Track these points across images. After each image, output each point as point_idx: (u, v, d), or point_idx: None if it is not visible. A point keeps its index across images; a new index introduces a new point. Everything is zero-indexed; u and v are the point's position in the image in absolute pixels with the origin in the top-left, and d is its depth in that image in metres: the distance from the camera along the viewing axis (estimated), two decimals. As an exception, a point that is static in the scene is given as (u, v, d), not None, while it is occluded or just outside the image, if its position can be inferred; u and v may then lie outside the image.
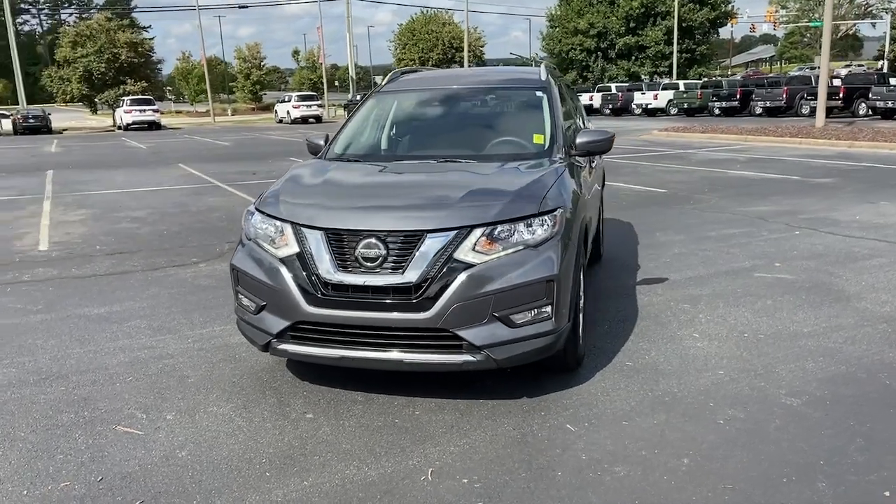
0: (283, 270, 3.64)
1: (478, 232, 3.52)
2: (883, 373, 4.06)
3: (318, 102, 42.72)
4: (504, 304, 3.47)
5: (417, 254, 3.47)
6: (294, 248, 3.65)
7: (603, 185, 6.83)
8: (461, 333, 3.45)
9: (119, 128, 39.85)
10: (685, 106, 36.76)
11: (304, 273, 3.59)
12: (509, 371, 4.10)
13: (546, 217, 3.66)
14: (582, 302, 4.32)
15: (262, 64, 66.61)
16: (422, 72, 5.94)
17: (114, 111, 42.22)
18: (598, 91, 44.43)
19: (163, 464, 3.20)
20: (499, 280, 3.46)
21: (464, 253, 3.48)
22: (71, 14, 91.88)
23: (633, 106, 40.25)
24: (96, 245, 8.14)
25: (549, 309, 3.57)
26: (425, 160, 4.52)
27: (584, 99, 44.14)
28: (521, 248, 3.55)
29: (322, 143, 5.04)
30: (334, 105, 52.40)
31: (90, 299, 5.87)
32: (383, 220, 3.58)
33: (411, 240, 3.50)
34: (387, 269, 3.49)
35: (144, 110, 39.54)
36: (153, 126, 39.59)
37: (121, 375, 4.24)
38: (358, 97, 47.27)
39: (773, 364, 4.23)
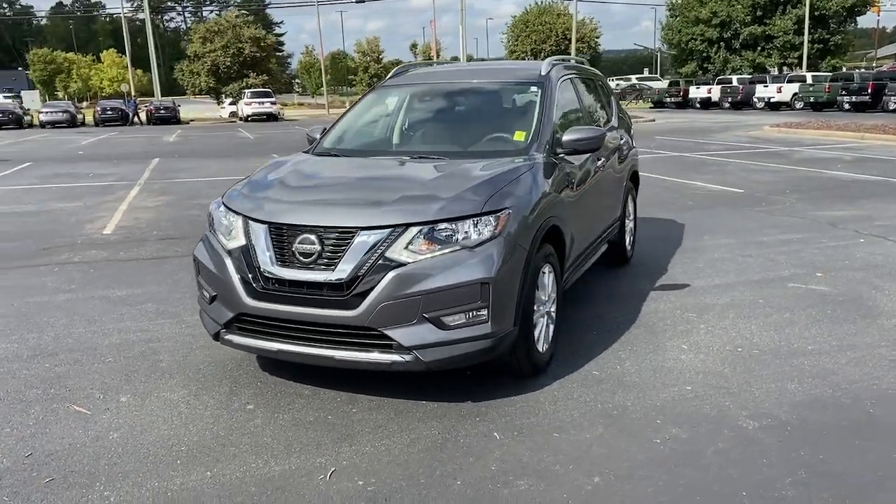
0: (229, 262, 3.73)
1: (413, 231, 3.47)
2: (870, 400, 3.69)
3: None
4: (435, 306, 3.41)
5: (349, 251, 3.46)
6: (241, 241, 3.73)
7: (632, 184, 6.53)
8: (389, 333, 3.42)
9: (241, 119, 41.81)
10: (811, 100, 34.58)
11: (247, 266, 3.66)
12: (469, 373, 4.03)
13: (489, 217, 3.56)
14: (553, 307, 4.19)
15: (381, 57, 68.07)
16: (430, 67, 5.89)
17: (234, 103, 44.31)
18: (717, 83, 42.55)
19: (91, 444, 3.36)
20: (429, 280, 3.39)
21: (396, 252, 3.43)
22: (212, 11, 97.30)
23: (755, 99, 38.33)
24: (154, 230, 8.60)
25: (484, 312, 3.47)
26: (401, 156, 4.50)
27: (702, 91, 42.51)
28: (457, 248, 3.47)
29: (318, 136, 5.11)
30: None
31: (119, 282, 6.22)
32: (319, 216, 3.60)
33: (344, 236, 3.50)
34: (321, 265, 3.50)
35: (263, 102, 41.29)
36: (271, 117, 41.27)
37: (103, 356, 4.47)
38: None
39: (751, 382, 3.94)
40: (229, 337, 3.79)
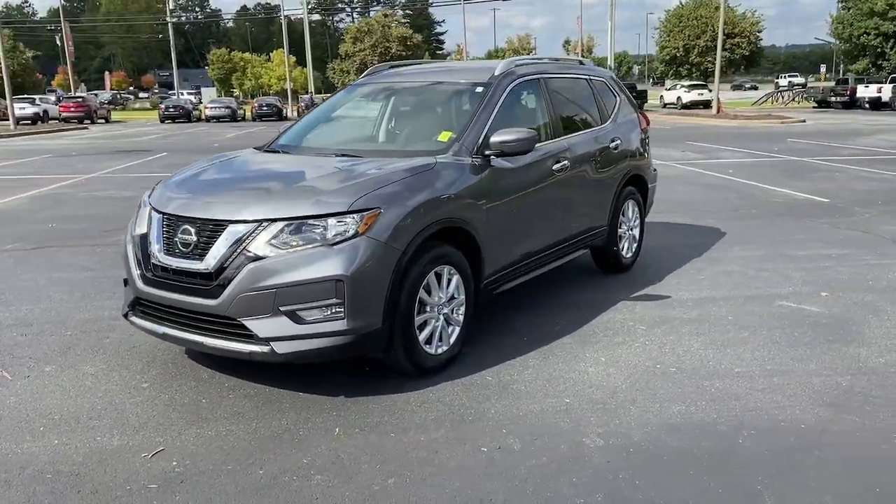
0: (131, 249, 4.07)
1: (278, 225, 3.62)
2: (752, 430, 3.43)
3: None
4: (290, 300, 3.54)
5: (218, 242, 3.67)
6: (144, 230, 4.05)
7: (634, 189, 6.27)
8: (247, 323, 3.59)
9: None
10: None
11: (143, 253, 3.97)
12: (368, 369, 4.13)
13: (354, 216, 3.64)
14: (458, 310, 4.23)
15: (531, 54, 67.97)
16: (401, 67, 5.96)
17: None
18: (889, 82, 38.92)
19: (-20, 407, 3.78)
20: (284, 275, 3.53)
21: (259, 245, 3.60)
22: (378, 11, 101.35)
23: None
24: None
25: (340, 309, 3.57)
26: (331, 154, 4.64)
27: (871, 91, 39.07)
28: (317, 245, 3.58)
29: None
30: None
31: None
32: (200, 209, 3.84)
33: (216, 229, 3.71)
34: (195, 255, 3.74)
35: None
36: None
37: (65, 330, 4.95)
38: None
39: (637, 400, 3.76)
40: (133, 318, 4.12)
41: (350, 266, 3.55)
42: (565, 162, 5.17)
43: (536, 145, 4.98)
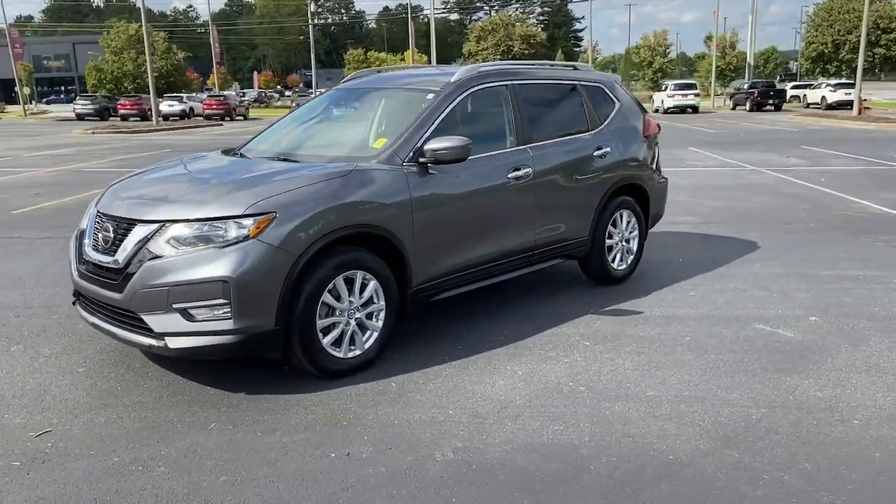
0: (72, 243, 4.42)
1: (177, 227, 3.83)
2: (611, 457, 3.29)
3: (695, 92, 41.03)
4: (181, 298, 3.74)
5: (127, 240, 3.93)
6: (84, 226, 4.39)
7: (630, 199, 6.04)
8: (145, 318, 3.83)
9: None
10: None
11: (79, 247, 4.31)
12: (286, 368, 4.27)
13: (248, 220, 3.79)
14: (375, 315, 4.31)
15: (667, 51, 65.72)
16: (378, 73, 6.02)
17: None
18: None
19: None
20: (177, 274, 3.74)
21: (158, 244, 3.82)
22: (516, 9, 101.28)
23: None
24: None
25: (227, 309, 3.73)
26: (275, 159, 4.81)
27: None
28: (210, 246, 3.76)
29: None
30: (721, 94, 49.80)
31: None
32: (119, 208, 4.13)
33: (128, 227, 3.97)
34: (111, 251, 4.02)
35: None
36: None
37: (51, 314, 5.41)
38: (744, 86, 44.10)
39: (522, 417, 3.68)
40: (77, 308, 4.47)
41: (236, 268, 3.69)
42: (527, 170, 5.08)
43: (492, 153, 4.97)
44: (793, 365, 4.33)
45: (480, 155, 4.96)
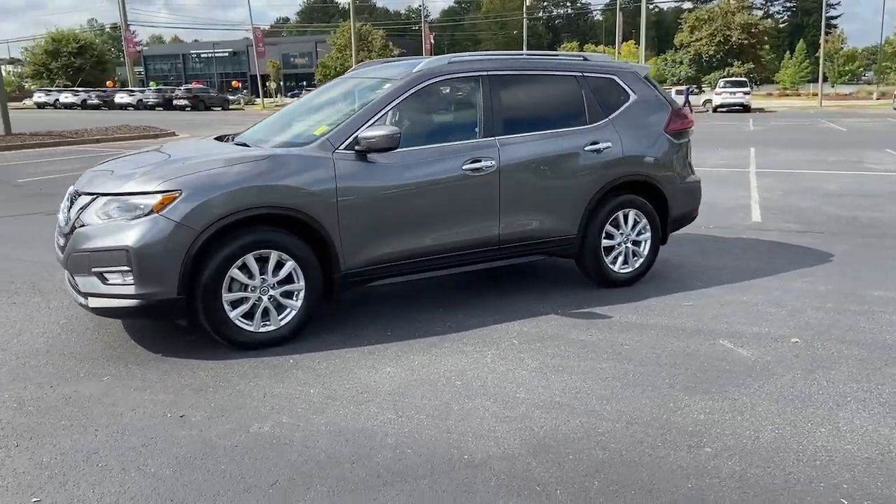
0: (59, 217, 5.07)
1: (103, 200, 4.31)
2: (397, 450, 3.26)
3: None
4: (98, 263, 4.21)
5: (72, 210, 4.48)
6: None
7: (636, 197, 5.69)
8: (77, 279, 4.36)
9: (712, 110, 40.96)
10: None
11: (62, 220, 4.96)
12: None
13: (154, 197, 4.18)
14: (300, 294, 4.52)
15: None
16: (393, 61, 6.08)
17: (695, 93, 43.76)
18: None
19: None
20: (95, 241, 4.22)
21: (89, 215, 4.32)
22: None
23: None
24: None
25: (131, 276, 4.16)
26: (235, 143, 5.15)
27: None
28: (122, 218, 4.21)
29: None
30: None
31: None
32: (79, 182, 4.69)
33: (73, 199, 4.52)
34: (66, 219, 4.58)
35: (735, 93, 39.80)
36: (744, 108, 39.59)
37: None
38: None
39: (359, 404, 3.74)
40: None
41: (138, 239, 4.10)
42: (489, 162, 5.01)
43: (446, 144, 4.99)
44: (709, 385, 3.92)
45: (432, 145, 4.98)
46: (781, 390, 3.85)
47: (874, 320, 4.92)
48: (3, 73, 74.02)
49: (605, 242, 5.63)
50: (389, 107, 4.86)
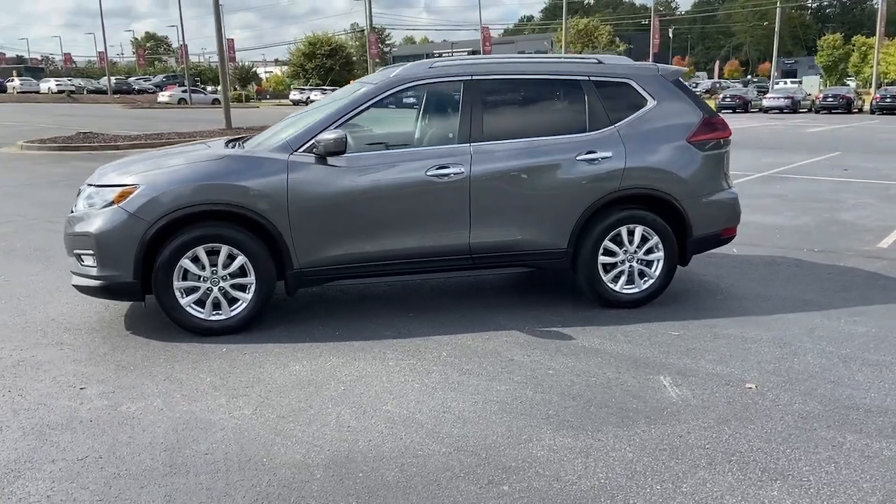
0: None
1: (89, 190, 4.87)
2: (197, 447, 3.40)
3: None
4: (75, 245, 4.78)
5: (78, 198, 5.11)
6: None
7: (647, 212, 5.24)
8: (70, 258, 4.99)
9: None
10: None
11: None
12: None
13: (116, 189, 4.67)
14: (252, 288, 4.79)
15: None
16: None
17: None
18: None
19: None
20: (74, 226, 4.77)
21: (80, 203, 4.90)
22: None
23: None
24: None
25: (95, 259, 4.69)
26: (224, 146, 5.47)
27: None
28: (94, 207, 4.74)
29: None
30: None
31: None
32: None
33: (83, 189, 5.15)
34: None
35: None
36: None
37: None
38: None
39: (203, 397, 3.91)
40: None
41: (99, 227, 4.61)
42: (458, 169, 4.91)
43: (411, 149, 5.02)
44: (590, 423, 3.59)
45: (397, 150, 5.00)
46: (661, 438, 3.42)
47: (877, 376, 4.12)
48: (274, 73, 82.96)
49: (603, 259, 5.24)
50: (355, 112, 4.94)
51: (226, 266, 4.74)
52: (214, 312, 4.78)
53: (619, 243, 5.26)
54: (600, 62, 5.46)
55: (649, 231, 5.27)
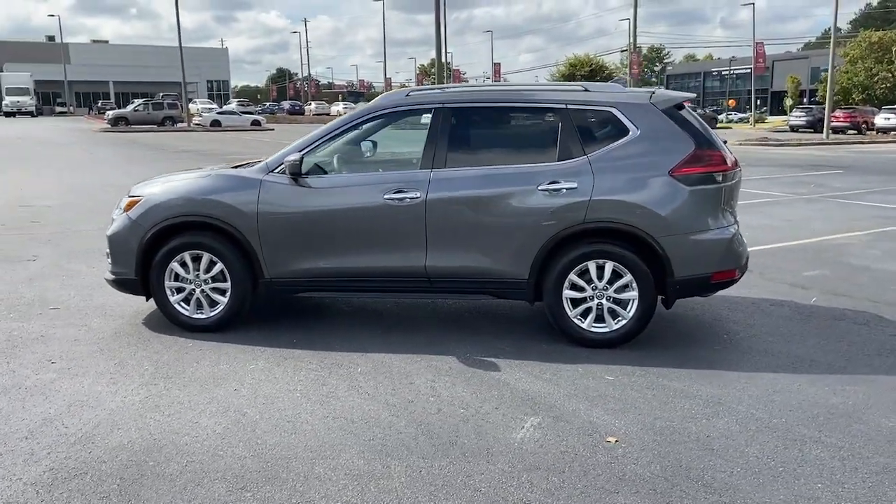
0: None
1: (122, 199, 5.78)
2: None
3: None
4: (107, 245, 5.74)
5: None
6: None
7: (619, 250, 4.97)
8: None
9: None
10: None
11: None
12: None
13: (129, 199, 5.52)
14: (228, 292, 5.37)
15: None
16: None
17: None
18: None
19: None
20: (107, 230, 5.74)
21: (115, 211, 5.82)
22: None
23: None
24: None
25: (109, 256, 5.59)
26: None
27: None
28: (118, 213, 5.63)
29: None
30: None
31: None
32: None
33: None
34: None
35: None
36: None
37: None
38: None
39: (42, 430, 4.47)
40: None
41: (112, 230, 5.50)
42: (413, 194, 5.06)
43: (371, 173, 5.36)
44: (392, 449, 3.61)
45: (362, 174, 5.30)
46: (447, 475, 3.35)
47: (780, 453, 3.57)
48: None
49: (570, 294, 5.04)
50: (329, 136, 5.30)
51: (208, 271, 5.35)
52: (197, 311, 5.42)
53: (588, 279, 5.01)
54: (586, 90, 5.25)
55: (621, 268, 4.96)
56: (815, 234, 9.36)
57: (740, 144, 31.05)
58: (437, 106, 5.21)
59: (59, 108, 76.87)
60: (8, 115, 64.77)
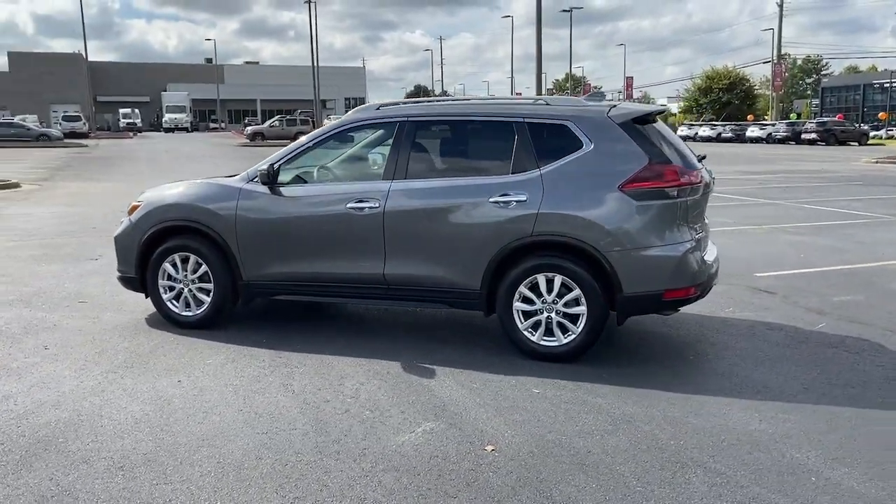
0: None
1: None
2: None
3: None
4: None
5: None
6: None
7: (572, 266, 4.94)
8: (125, 258, 6.54)
9: None
10: None
11: None
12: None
13: (132, 204, 6.07)
14: (206, 291, 5.78)
15: None
16: None
17: None
18: None
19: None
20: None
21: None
22: None
23: None
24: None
25: (115, 255, 6.16)
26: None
27: None
28: (123, 217, 6.20)
29: None
30: None
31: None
32: None
33: None
34: None
35: None
36: None
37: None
38: None
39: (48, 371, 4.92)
40: None
41: (117, 232, 6.06)
42: (372, 203, 5.26)
43: (336, 183, 5.63)
44: (273, 442, 3.80)
45: (330, 184, 5.56)
46: (286, 468, 3.49)
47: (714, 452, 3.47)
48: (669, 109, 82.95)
49: (520, 306, 5.05)
50: (304, 147, 5.60)
51: (194, 272, 5.77)
52: (186, 309, 5.85)
53: (538, 292, 5.00)
54: (547, 104, 5.25)
55: (570, 282, 4.91)
56: (878, 259, 8.65)
57: (877, 162, 28.79)
58: (401, 119, 5.38)
59: (212, 125, 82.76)
60: (167, 130, 70.77)
